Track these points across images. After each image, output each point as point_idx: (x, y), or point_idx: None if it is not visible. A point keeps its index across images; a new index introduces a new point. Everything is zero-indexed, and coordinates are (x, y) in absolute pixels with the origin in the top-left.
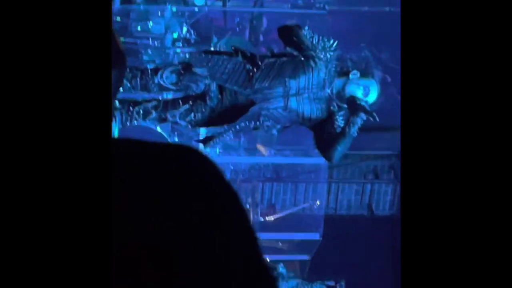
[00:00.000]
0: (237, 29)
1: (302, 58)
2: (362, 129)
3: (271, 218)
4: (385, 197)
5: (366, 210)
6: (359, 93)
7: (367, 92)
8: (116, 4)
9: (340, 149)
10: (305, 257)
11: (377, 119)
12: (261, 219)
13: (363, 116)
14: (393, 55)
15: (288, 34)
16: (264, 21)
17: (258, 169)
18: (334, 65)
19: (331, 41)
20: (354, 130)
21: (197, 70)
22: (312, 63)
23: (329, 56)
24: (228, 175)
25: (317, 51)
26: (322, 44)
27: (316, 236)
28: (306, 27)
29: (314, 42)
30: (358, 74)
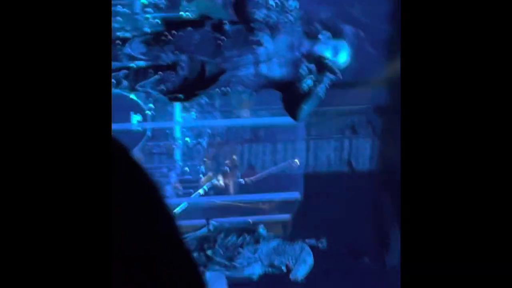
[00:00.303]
0: None
1: (267, 23)
2: (337, 85)
3: (251, 179)
4: (364, 152)
5: (346, 166)
6: (327, 54)
7: (336, 52)
8: None
9: (306, 108)
10: (287, 216)
11: (340, 77)
12: (242, 180)
13: (329, 75)
14: (365, 9)
15: (241, 7)
16: None
17: (235, 131)
18: (299, 26)
19: (290, 2)
20: (320, 89)
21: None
22: (277, 27)
23: (291, 18)
24: (205, 139)
25: (278, 14)
26: (280, 7)
27: (296, 195)
28: None
29: (271, 6)
30: (328, 35)
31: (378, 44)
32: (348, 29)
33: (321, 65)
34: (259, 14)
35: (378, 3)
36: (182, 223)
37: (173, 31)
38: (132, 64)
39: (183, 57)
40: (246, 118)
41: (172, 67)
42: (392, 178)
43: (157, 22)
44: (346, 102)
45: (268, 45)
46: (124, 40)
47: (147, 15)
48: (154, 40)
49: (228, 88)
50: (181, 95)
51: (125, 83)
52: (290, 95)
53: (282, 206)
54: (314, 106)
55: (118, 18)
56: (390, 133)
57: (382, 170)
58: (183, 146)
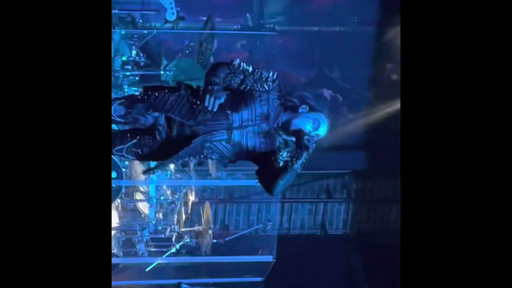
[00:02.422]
0: (187, 51)
1: (243, 91)
2: (315, 149)
3: (224, 239)
4: (338, 216)
5: (320, 229)
6: (308, 127)
7: (317, 125)
8: None
9: (282, 183)
10: (259, 279)
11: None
12: (214, 241)
13: (305, 154)
14: (344, 74)
15: (219, 71)
16: (215, 43)
17: (210, 191)
18: (276, 96)
19: (270, 73)
20: (297, 165)
21: (138, 105)
22: (252, 94)
23: (267, 87)
24: (180, 198)
25: (256, 82)
26: (258, 75)
27: (269, 258)
28: (237, 60)
29: (247, 73)
30: (307, 108)
31: (356, 108)
32: (326, 92)
33: (300, 141)
34: (235, 80)
35: (358, 68)
36: (154, 282)
37: (149, 92)
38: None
39: (161, 120)
40: (221, 179)
41: (150, 131)
42: (365, 241)
43: (136, 80)
44: (322, 166)
45: (242, 112)
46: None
47: (127, 72)
48: (132, 103)
49: (202, 155)
50: (153, 163)
51: None
52: (266, 168)
53: (255, 268)
54: (290, 180)
55: None
56: (364, 198)
57: (356, 234)
58: (157, 204)
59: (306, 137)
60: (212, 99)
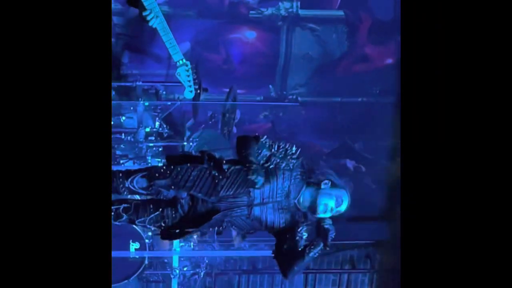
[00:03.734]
0: (210, 122)
1: (265, 168)
2: (338, 220)
3: None
4: (362, 287)
5: None
6: (332, 203)
7: (340, 202)
8: None
9: (297, 269)
10: None
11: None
12: None
13: (321, 245)
14: (367, 145)
15: (246, 146)
16: (238, 113)
17: (233, 261)
18: (298, 173)
19: (293, 149)
20: (314, 253)
21: (160, 182)
22: (275, 172)
23: (291, 165)
24: (203, 269)
25: (279, 160)
26: (283, 152)
27: None
28: (265, 137)
29: (274, 150)
30: (329, 184)
31: (379, 178)
32: (349, 163)
33: (319, 229)
34: (261, 157)
35: (380, 138)
36: None
37: (172, 166)
38: (133, 198)
39: (183, 194)
40: (244, 250)
41: (173, 203)
42: None
43: (160, 151)
44: (345, 237)
45: (264, 189)
46: (127, 175)
47: (150, 144)
48: (155, 176)
49: (221, 228)
50: (175, 232)
51: (125, 217)
52: (283, 246)
53: None
54: (304, 267)
55: (121, 145)
56: (388, 268)
57: None
58: (180, 275)
59: (323, 227)
60: (257, 176)
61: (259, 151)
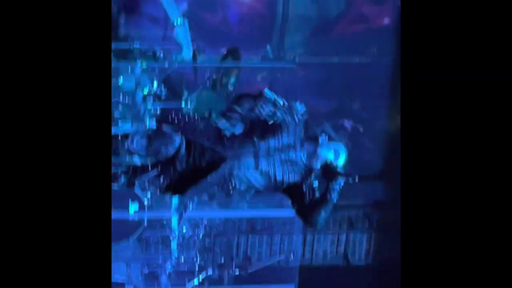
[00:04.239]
0: (208, 83)
1: (270, 121)
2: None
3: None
4: (360, 247)
5: (342, 260)
6: (330, 156)
7: (338, 155)
8: None
9: (324, 215)
10: None
11: (357, 180)
12: (237, 272)
13: (341, 181)
14: (364, 105)
15: (243, 102)
16: (235, 74)
17: (232, 222)
18: (302, 128)
19: (299, 106)
20: (335, 196)
21: (168, 128)
22: (280, 126)
23: (297, 120)
24: (202, 230)
25: (286, 114)
26: (289, 107)
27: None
28: (267, 90)
29: (279, 105)
30: (327, 138)
31: (377, 138)
32: (347, 123)
33: (330, 172)
34: (265, 110)
35: (378, 98)
36: None
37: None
38: (132, 162)
39: (182, 150)
40: (243, 210)
41: (171, 161)
42: (388, 272)
43: (158, 113)
44: (343, 196)
45: (269, 141)
46: (126, 136)
47: (148, 105)
48: (155, 134)
49: (230, 186)
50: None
51: (123, 179)
52: (303, 200)
53: None
54: (330, 212)
55: (119, 107)
56: (387, 228)
57: (379, 265)
58: (179, 237)
59: (333, 168)
60: (228, 125)
61: (264, 106)
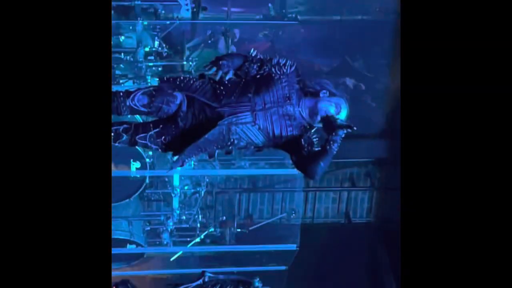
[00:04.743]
0: (209, 41)
1: (262, 76)
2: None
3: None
4: (362, 204)
5: (344, 217)
6: (332, 110)
7: (339, 109)
8: None
9: (323, 165)
10: (283, 267)
11: (355, 128)
12: (238, 230)
13: (341, 133)
14: (366, 63)
15: (233, 57)
16: (237, 32)
17: (234, 180)
18: (295, 80)
19: (286, 60)
20: (334, 148)
21: (169, 85)
22: (272, 78)
23: (285, 71)
24: (203, 188)
25: (273, 67)
26: (276, 61)
27: (293, 246)
28: (253, 50)
29: (266, 61)
30: (328, 93)
31: (379, 96)
32: (349, 81)
33: (330, 124)
34: (253, 67)
35: (380, 56)
36: (178, 271)
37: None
38: (133, 119)
39: (184, 107)
40: (244, 169)
41: (173, 119)
42: (389, 229)
43: (159, 70)
44: (345, 155)
45: (264, 95)
46: (128, 94)
47: (149, 63)
48: (157, 91)
49: (229, 142)
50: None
51: (125, 137)
52: (301, 153)
53: (279, 257)
54: (328, 164)
55: (121, 65)
56: (388, 186)
57: (380, 222)
58: (181, 194)
59: (333, 120)
60: (219, 72)
61: (251, 63)
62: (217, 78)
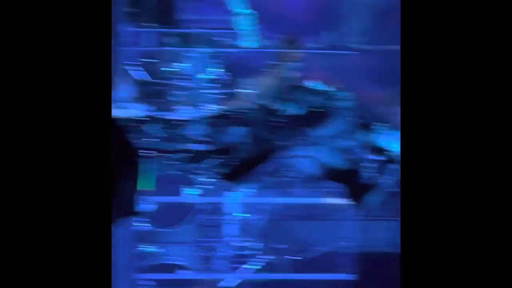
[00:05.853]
0: (270, 69)
1: (319, 110)
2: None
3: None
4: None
5: (396, 247)
6: (383, 144)
7: (392, 143)
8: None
9: (377, 199)
10: None
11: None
12: (295, 258)
13: (394, 167)
14: None
15: (294, 91)
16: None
17: (290, 208)
18: (352, 115)
19: (345, 92)
20: (387, 181)
21: (228, 115)
22: (329, 113)
23: (344, 106)
24: (261, 215)
25: (332, 101)
26: (336, 95)
27: (350, 276)
28: (313, 82)
29: (326, 94)
30: (380, 125)
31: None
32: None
33: (382, 157)
34: (313, 100)
35: None
36: None
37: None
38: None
39: (241, 139)
40: (302, 197)
41: (231, 150)
42: None
43: (220, 98)
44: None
45: (319, 130)
46: (184, 122)
47: (210, 91)
48: (216, 122)
49: (279, 173)
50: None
51: (181, 166)
52: (354, 185)
53: (336, 287)
54: (381, 198)
55: (180, 92)
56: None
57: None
58: (237, 221)
59: (386, 153)
60: (283, 109)
61: (311, 95)
62: (281, 112)
